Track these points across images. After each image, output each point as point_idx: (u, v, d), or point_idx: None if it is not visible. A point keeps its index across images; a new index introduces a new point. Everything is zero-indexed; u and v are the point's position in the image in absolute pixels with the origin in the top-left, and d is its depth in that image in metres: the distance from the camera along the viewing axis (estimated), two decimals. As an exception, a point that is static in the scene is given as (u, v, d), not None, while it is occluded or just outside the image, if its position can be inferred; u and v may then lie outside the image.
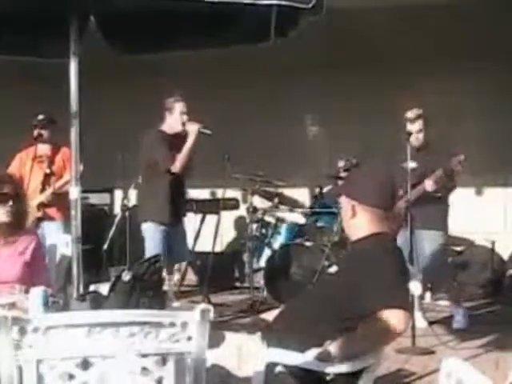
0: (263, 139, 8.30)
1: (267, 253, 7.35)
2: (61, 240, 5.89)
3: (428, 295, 6.89)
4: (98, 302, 2.88)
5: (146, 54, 4.98)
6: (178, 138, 6.03)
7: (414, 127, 5.96)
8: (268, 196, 7.69)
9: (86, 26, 4.58)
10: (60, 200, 6.11)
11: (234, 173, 6.84)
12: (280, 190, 7.75)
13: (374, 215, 3.14)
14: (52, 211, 6.33)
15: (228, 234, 8.58)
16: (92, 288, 3.28)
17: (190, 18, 4.31)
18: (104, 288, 3.08)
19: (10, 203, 3.85)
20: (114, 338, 2.26)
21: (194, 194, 7.67)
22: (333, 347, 2.89)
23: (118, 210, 7.89)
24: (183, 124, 6.00)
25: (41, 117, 6.30)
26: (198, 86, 8.06)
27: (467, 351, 5.28)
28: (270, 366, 2.94)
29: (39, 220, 6.29)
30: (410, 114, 6.01)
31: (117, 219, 7.36)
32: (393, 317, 2.87)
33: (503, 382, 2.55)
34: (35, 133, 6.26)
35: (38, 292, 2.96)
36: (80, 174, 4.22)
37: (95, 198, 8.15)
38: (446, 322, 6.18)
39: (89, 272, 4.74)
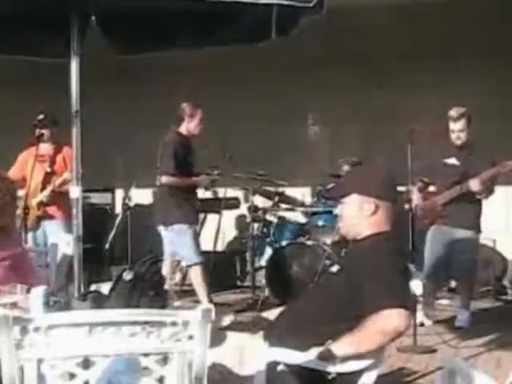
0: (264, 138, 8.31)
1: (268, 252, 7.35)
2: (62, 239, 5.90)
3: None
4: (99, 302, 2.89)
5: (146, 53, 4.98)
6: (193, 140, 6.28)
7: (457, 126, 5.90)
8: (269, 195, 7.69)
9: (87, 26, 4.59)
10: (60, 199, 6.12)
11: (235, 172, 6.85)
12: (281, 189, 7.74)
13: (392, 210, 3.18)
14: (52, 210, 6.35)
15: (229, 233, 8.59)
16: (93, 287, 3.29)
17: (190, 17, 4.32)
18: (105, 287, 3.09)
19: None
20: (116, 337, 2.26)
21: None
22: (334, 346, 2.89)
23: (119, 209, 7.90)
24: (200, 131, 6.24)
25: (42, 116, 6.31)
26: (198, 86, 8.07)
27: (469, 350, 5.28)
28: (272, 365, 2.94)
29: (40, 219, 6.30)
30: (453, 113, 5.91)
31: (118, 218, 7.37)
32: (393, 316, 2.87)
33: (505, 380, 2.55)
34: (36, 132, 6.26)
35: (39, 291, 2.96)
36: (81, 173, 4.22)
37: (96, 198, 8.16)
38: (448, 320, 6.18)
39: (90, 271, 4.75)
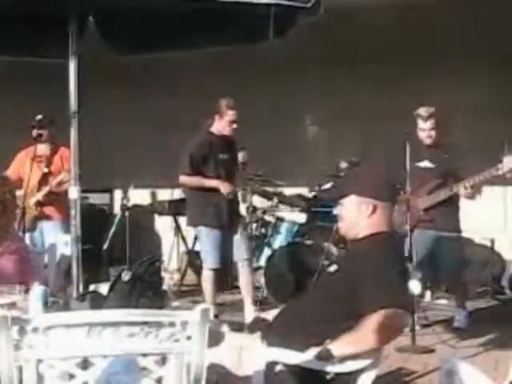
0: (262, 138, 8.30)
1: (267, 252, 7.35)
2: (60, 240, 5.90)
3: (428, 294, 6.89)
4: (97, 302, 2.89)
5: (146, 54, 4.98)
6: (224, 140, 6.14)
7: (427, 124, 5.82)
8: (267, 195, 7.69)
9: (85, 26, 4.59)
10: (58, 199, 6.12)
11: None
12: (279, 190, 7.74)
13: (390, 211, 3.20)
14: (50, 211, 6.34)
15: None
16: (92, 288, 3.29)
17: (188, 18, 4.32)
18: (104, 288, 3.09)
19: None
20: (114, 337, 2.26)
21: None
22: (333, 346, 2.89)
23: (117, 209, 7.90)
24: (230, 132, 6.07)
25: (40, 117, 6.31)
26: (197, 86, 8.07)
27: (467, 350, 5.27)
28: (270, 365, 2.94)
29: (37, 219, 6.30)
30: (422, 111, 5.85)
31: (116, 219, 7.37)
32: (392, 316, 2.87)
33: (503, 380, 2.55)
34: (34, 133, 6.26)
35: (37, 292, 2.96)
36: (79, 174, 4.22)
37: (95, 198, 8.15)
38: (446, 320, 6.18)
39: (88, 272, 4.74)
